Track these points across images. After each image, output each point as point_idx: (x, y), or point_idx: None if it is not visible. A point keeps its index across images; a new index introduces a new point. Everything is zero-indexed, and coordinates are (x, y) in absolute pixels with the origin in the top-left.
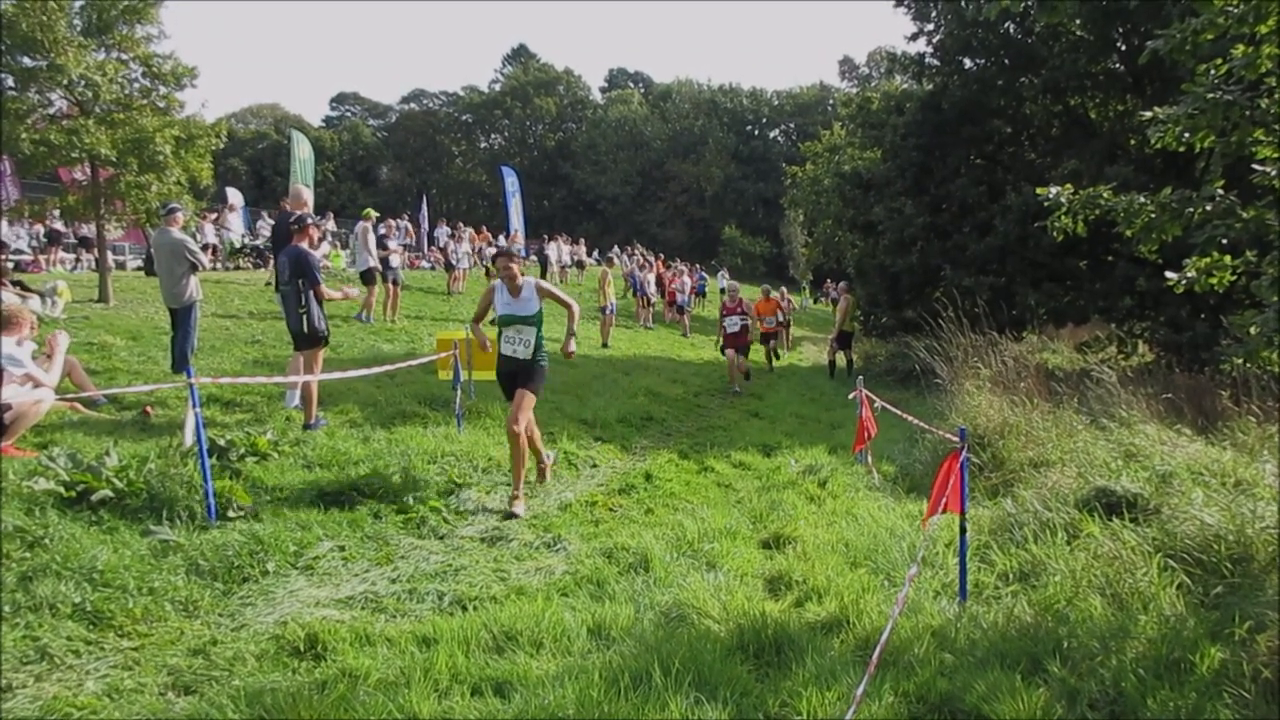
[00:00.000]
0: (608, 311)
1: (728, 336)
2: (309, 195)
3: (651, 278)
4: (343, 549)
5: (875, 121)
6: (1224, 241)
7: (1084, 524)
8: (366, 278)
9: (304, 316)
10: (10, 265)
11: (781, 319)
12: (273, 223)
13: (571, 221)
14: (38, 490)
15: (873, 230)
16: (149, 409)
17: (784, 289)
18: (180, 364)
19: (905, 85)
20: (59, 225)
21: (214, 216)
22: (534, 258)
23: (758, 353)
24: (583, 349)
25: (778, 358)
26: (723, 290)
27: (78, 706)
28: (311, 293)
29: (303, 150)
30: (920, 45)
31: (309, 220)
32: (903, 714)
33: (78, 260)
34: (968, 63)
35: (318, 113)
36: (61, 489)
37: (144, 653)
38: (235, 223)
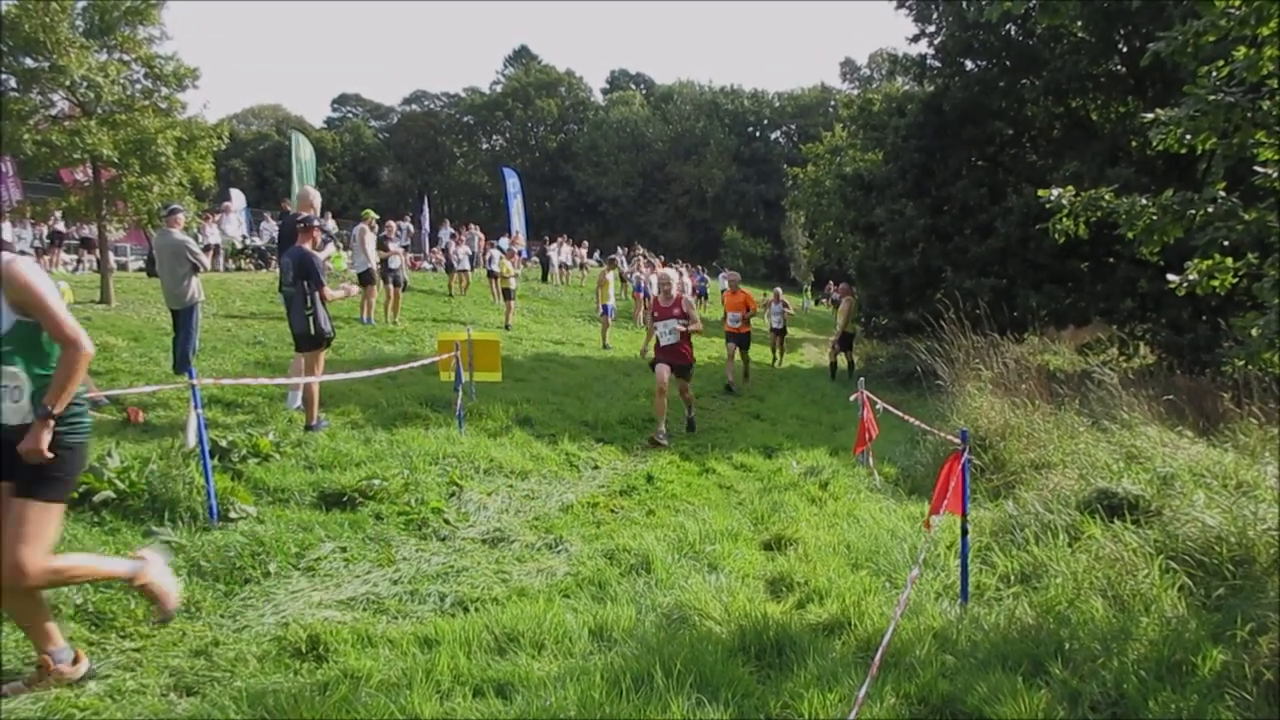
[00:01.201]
0: (604, 312)
1: (659, 350)
2: (316, 197)
3: (654, 279)
4: (344, 550)
5: (876, 123)
6: (1225, 244)
7: (1085, 526)
8: (364, 279)
9: (309, 318)
10: None
11: (777, 324)
12: (278, 224)
13: (573, 223)
14: None
15: (874, 232)
16: (134, 412)
17: (779, 289)
18: (182, 365)
19: (906, 87)
20: (60, 226)
21: (216, 219)
22: (536, 259)
23: (713, 347)
24: (584, 350)
25: (746, 374)
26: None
27: (79, 708)
28: (317, 294)
29: (304, 152)
30: (921, 47)
31: (314, 222)
32: (904, 716)
33: (79, 261)
34: (969, 64)
35: (319, 114)
36: None
37: (146, 654)
38: (230, 225)
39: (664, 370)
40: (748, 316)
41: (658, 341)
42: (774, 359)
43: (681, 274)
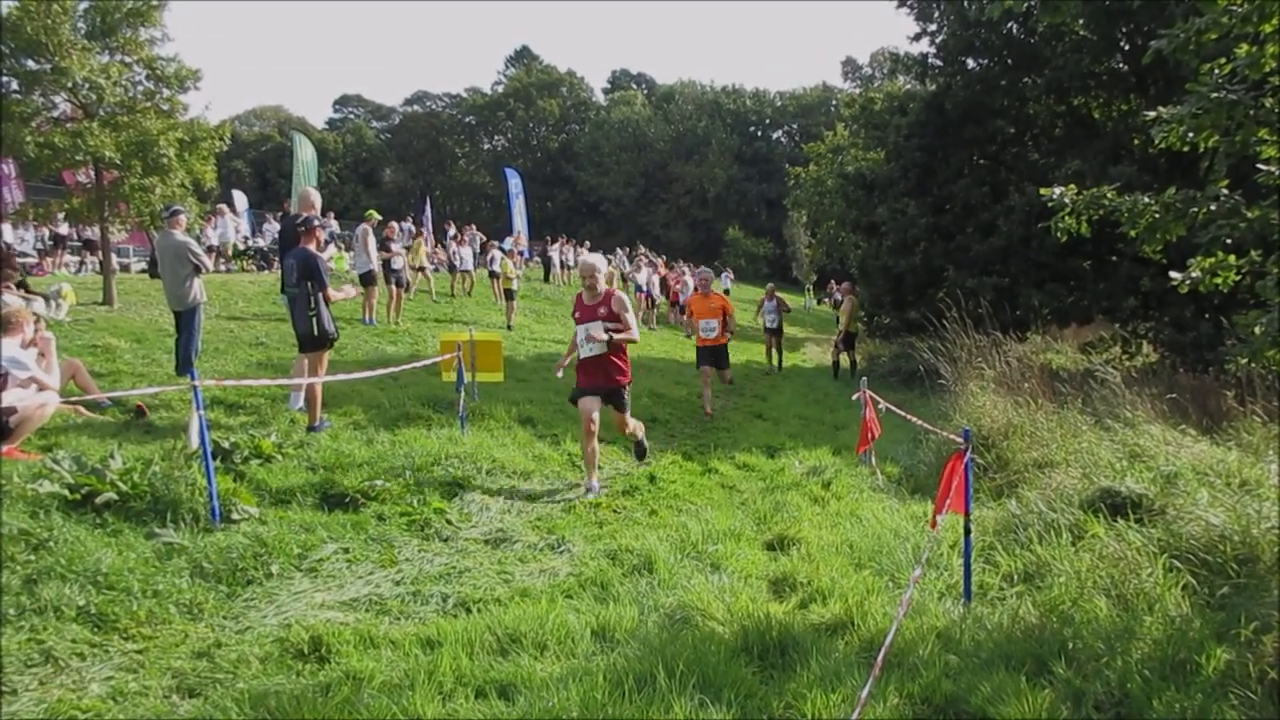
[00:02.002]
0: None
1: (581, 369)
2: (317, 197)
3: (656, 279)
4: (347, 551)
5: (878, 122)
6: (1228, 241)
7: (1089, 525)
8: (366, 280)
9: (313, 319)
10: (17, 269)
11: (772, 324)
12: (279, 225)
13: (575, 223)
14: (42, 493)
15: (876, 231)
16: (143, 405)
17: (771, 285)
18: (184, 366)
19: (908, 86)
20: (62, 229)
21: (212, 221)
22: (538, 259)
23: (682, 343)
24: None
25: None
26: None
27: (82, 710)
28: (320, 295)
29: (305, 153)
30: (923, 45)
31: (314, 222)
32: (907, 716)
33: (82, 263)
34: (970, 63)
35: (321, 115)
36: (66, 492)
37: (148, 655)
38: (224, 228)
39: (590, 406)
40: (726, 325)
41: (579, 358)
42: (771, 362)
43: (684, 273)
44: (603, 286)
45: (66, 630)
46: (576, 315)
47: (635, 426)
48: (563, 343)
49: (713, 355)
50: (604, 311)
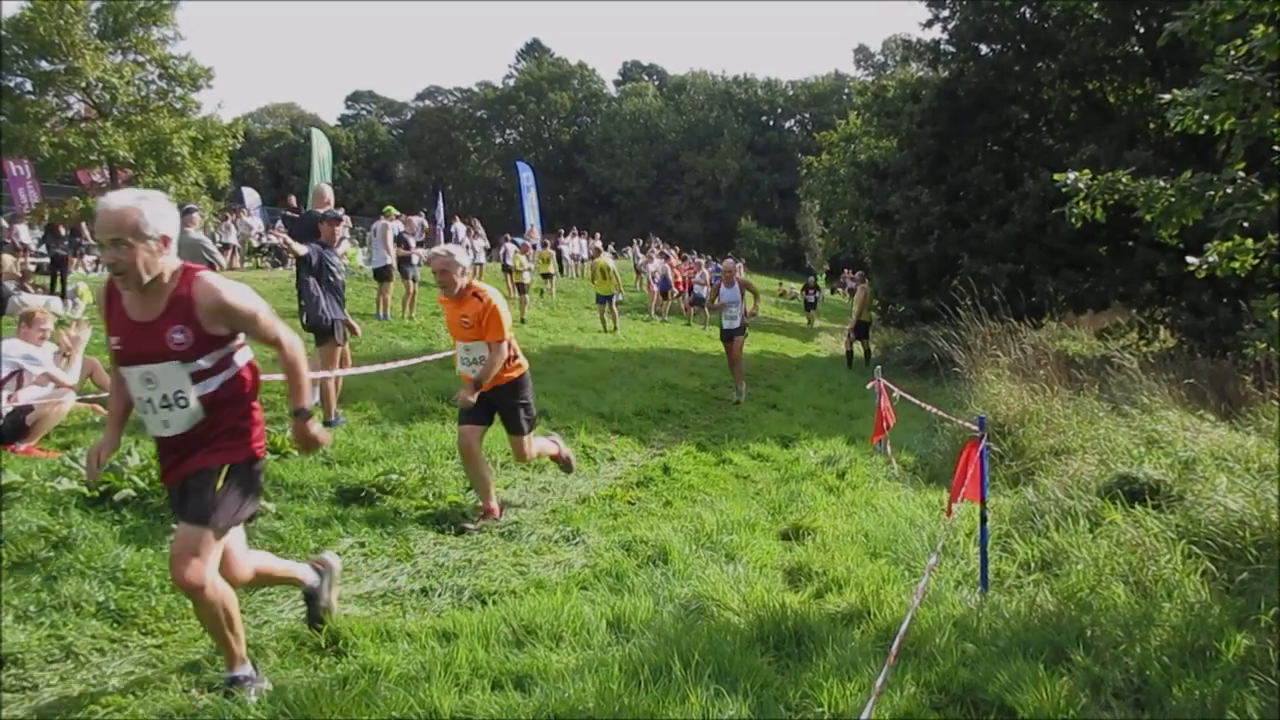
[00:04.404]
0: (613, 301)
1: (162, 454)
2: (329, 193)
3: (668, 270)
4: (363, 545)
5: (891, 110)
6: (1245, 225)
7: (1106, 511)
8: (381, 275)
9: (302, 309)
10: (31, 268)
11: (731, 323)
12: (286, 222)
13: (587, 215)
14: (61, 490)
15: (889, 219)
16: None
17: (730, 260)
18: None
19: (921, 73)
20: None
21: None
22: (552, 252)
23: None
24: (599, 343)
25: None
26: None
27: (102, 704)
28: (311, 285)
29: (321, 149)
30: (935, 32)
31: (318, 216)
32: (924, 704)
33: (98, 262)
34: (984, 49)
35: (333, 111)
36: (84, 489)
37: (167, 650)
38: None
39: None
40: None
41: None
42: (737, 384)
43: (701, 265)
44: (171, 268)
45: (86, 626)
46: (115, 342)
47: (244, 572)
48: (581, 331)
49: (482, 403)
50: (181, 339)
